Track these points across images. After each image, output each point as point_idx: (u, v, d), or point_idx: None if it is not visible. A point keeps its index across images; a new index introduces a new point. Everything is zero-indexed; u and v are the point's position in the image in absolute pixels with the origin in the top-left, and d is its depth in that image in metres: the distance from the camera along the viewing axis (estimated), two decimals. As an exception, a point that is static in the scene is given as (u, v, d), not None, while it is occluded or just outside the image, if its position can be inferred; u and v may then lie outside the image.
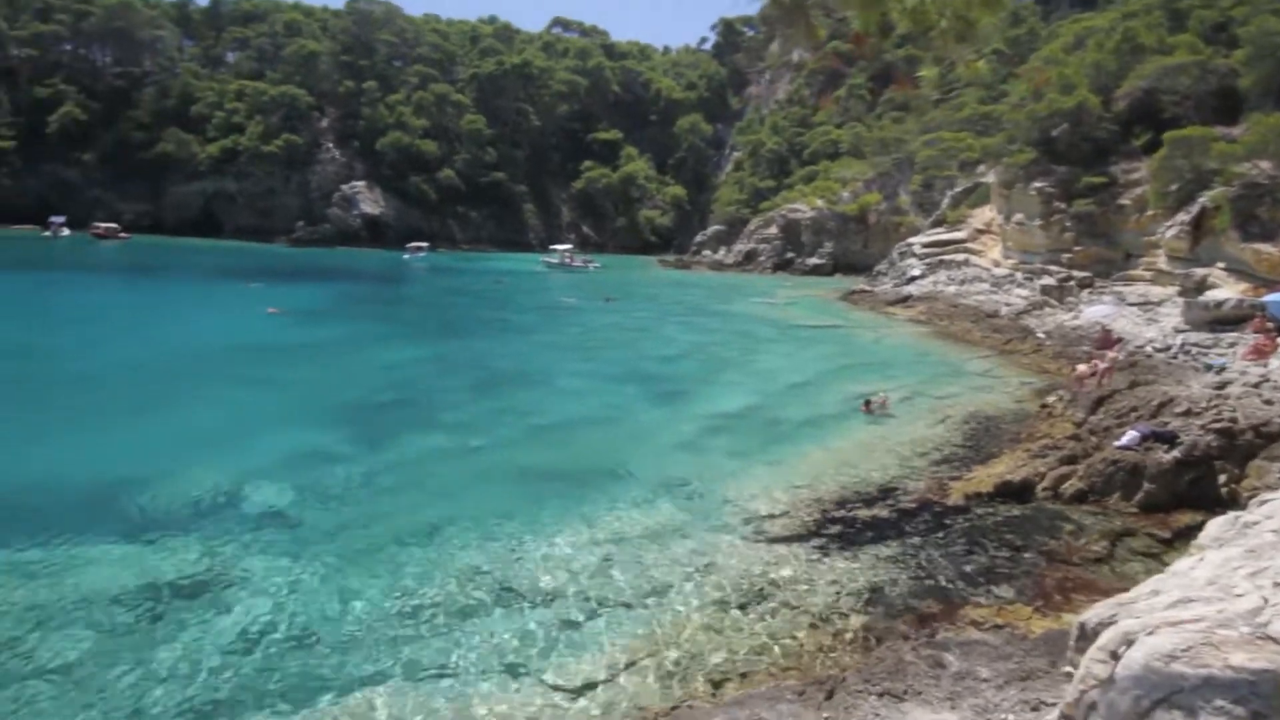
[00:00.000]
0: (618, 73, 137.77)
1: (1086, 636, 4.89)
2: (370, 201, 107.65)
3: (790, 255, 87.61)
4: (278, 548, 13.61)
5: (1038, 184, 44.06)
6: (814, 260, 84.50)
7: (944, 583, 12.92)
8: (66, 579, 12.32)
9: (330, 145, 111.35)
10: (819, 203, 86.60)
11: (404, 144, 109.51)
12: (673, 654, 10.66)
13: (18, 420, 21.19)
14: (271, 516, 15.05)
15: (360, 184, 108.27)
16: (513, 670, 10.27)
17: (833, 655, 10.71)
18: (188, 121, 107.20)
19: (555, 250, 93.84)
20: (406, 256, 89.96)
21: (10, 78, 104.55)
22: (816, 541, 14.49)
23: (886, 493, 17.16)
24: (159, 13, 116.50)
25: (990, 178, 54.85)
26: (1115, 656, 4.22)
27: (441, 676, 10.10)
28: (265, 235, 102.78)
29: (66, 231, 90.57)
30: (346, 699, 9.62)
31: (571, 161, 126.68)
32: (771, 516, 15.64)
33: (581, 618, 11.61)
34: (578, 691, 9.84)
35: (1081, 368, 25.07)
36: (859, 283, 62.85)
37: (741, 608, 11.98)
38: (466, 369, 30.74)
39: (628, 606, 11.97)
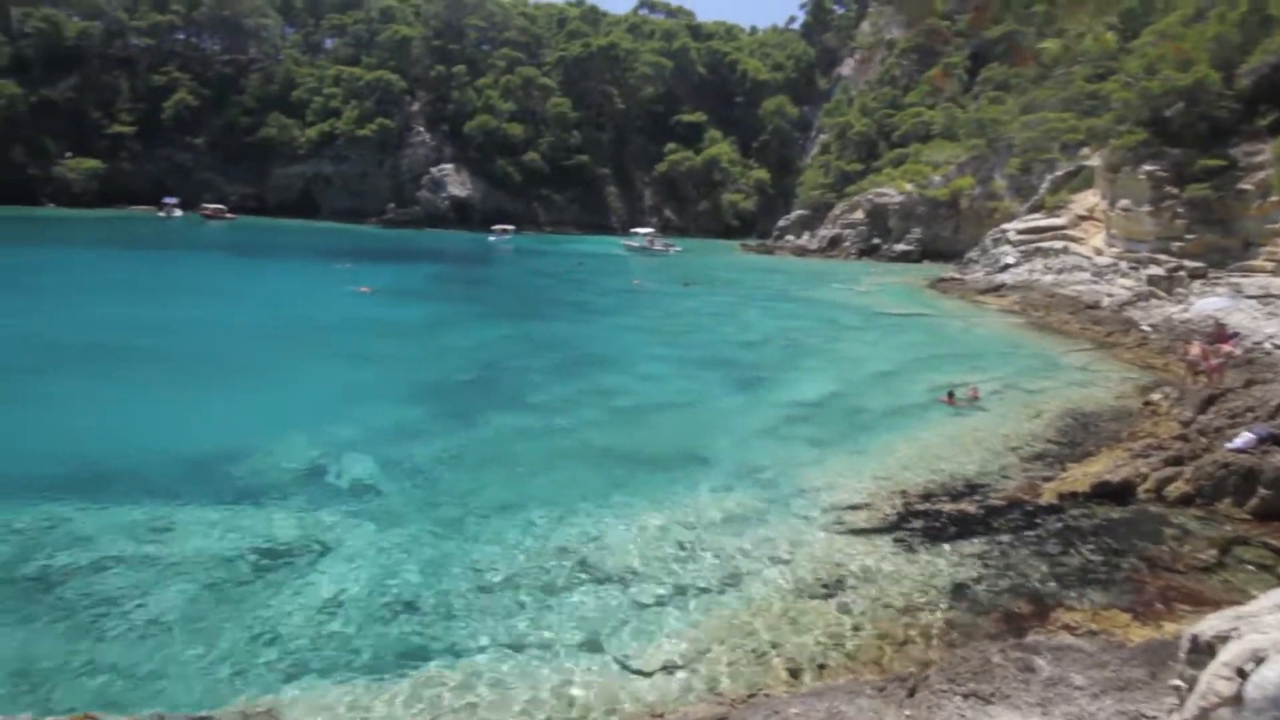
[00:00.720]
0: (703, 54, 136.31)
1: (1200, 650, 4.60)
2: (458, 184, 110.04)
3: (876, 241, 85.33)
4: (369, 518, 14.16)
5: (1148, 167, 41.45)
6: (901, 246, 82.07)
7: (1035, 584, 12.43)
8: (177, 537, 13.13)
9: (421, 129, 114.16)
10: (908, 187, 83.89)
11: (491, 127, 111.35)
12: (750, 641, 10.62)
13: (134, 390, 22.67)
14: (363, 487, 15.66)
15: (449, 167, 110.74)
16: (593, 648, 10.42)
17: (915, 651, 10.46)
18: (289, 106, 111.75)
19: (636, 234, 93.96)
20: (492, 239, 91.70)
21: (130, 66, 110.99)
22: (899, 534, 14.15)
23: (974, 488, 16.60)
24: (263, 1, 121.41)
25: (1094, 161, 51.92)
26: (1243, 674, 3.96)
27: (523, 650, 10.33)
28: (358, 217, 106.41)
29: (179, 212, 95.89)
30: (432, 667, 9.94)
31: (655, 144, 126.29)
32: (853, 507, 15.35)
33: (661, 600, 11.68)
34: (656, 673, 9.92)
35: (1193, 349, 23.46)
36: (948, 270, 60.72)
37: (820, 597, 11.83)
38: (548, 350, 31.21)
39: (706, 591, 11.97)
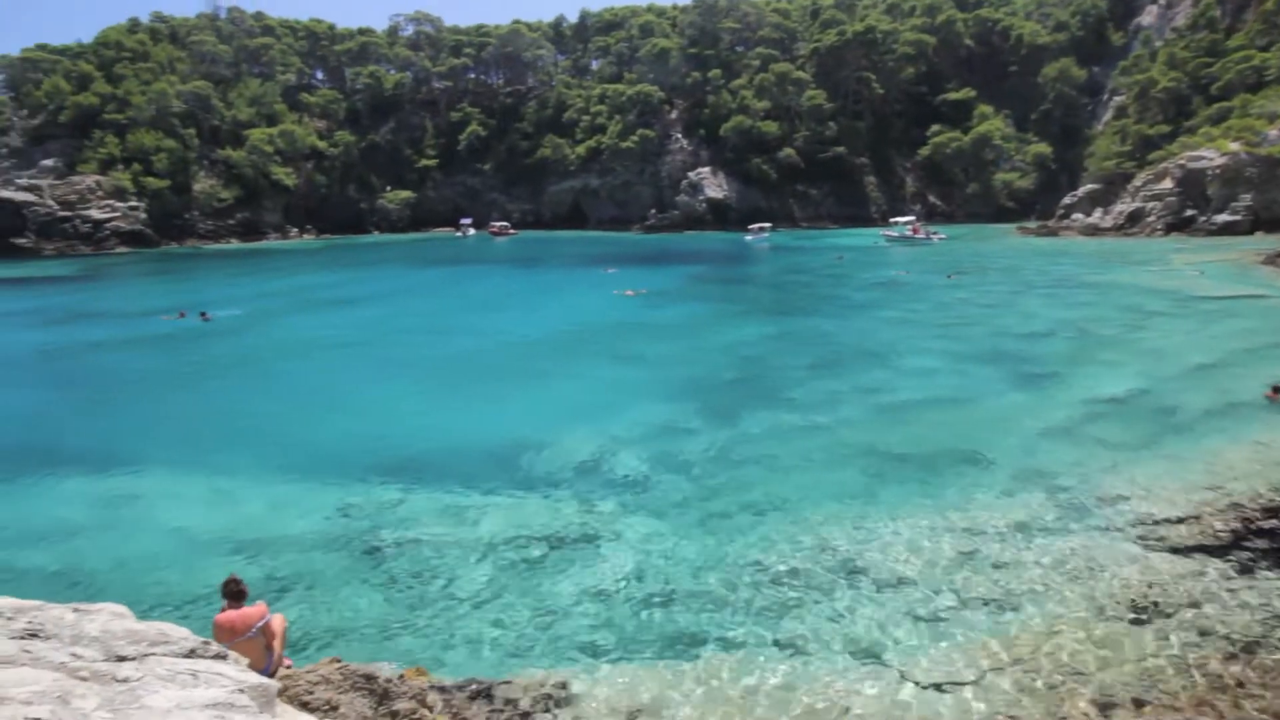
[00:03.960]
0: (970, 24, 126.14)
1: None
2: (714, 186, 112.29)
3: (1191, 213, 73.30)
4: (643, 510, 14.93)
5: None
6: (1224, 217, 69.74)
7: None
8: (478, 520, 14.79)
9: (679, 135, 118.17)
10: (1233, 146, 71.05)
11: (746, 127, 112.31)
12: (1048, 664, 9.63)
13: (438, 389, 25.98)
14: (636, 481, 16.55)
15: (705, 170, 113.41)
16: (869, 655, 10.09)
17: (1259, 696, 8.85)
18: (561, 127, 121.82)
19: (897, 223, 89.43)
20: (749, 238, 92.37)
21: (433, 107, 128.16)
22: (1236, 555, 12.06)
23: (1339, 504, 13.67)
24: (539, 34, 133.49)
25: None
26: None
27: (792, 648, 10.28)
28: (622, 224, 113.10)
29: (472, 231, 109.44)
30: (708, 658, 10.22)
31: (917, 127, 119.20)
32: (1170, 521, 13.35)
33: (936, 609, 11.01)
34: (940, 687, 9.35)
35: None
36: (1293, 242, 50.54)
37: (1133, 622, 10.42)
38: (808, 346, 30.76)
39: (989, 604, 11.08)
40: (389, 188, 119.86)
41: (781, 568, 12.39)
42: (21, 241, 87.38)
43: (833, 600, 11.41)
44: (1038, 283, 47.58)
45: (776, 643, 10.40)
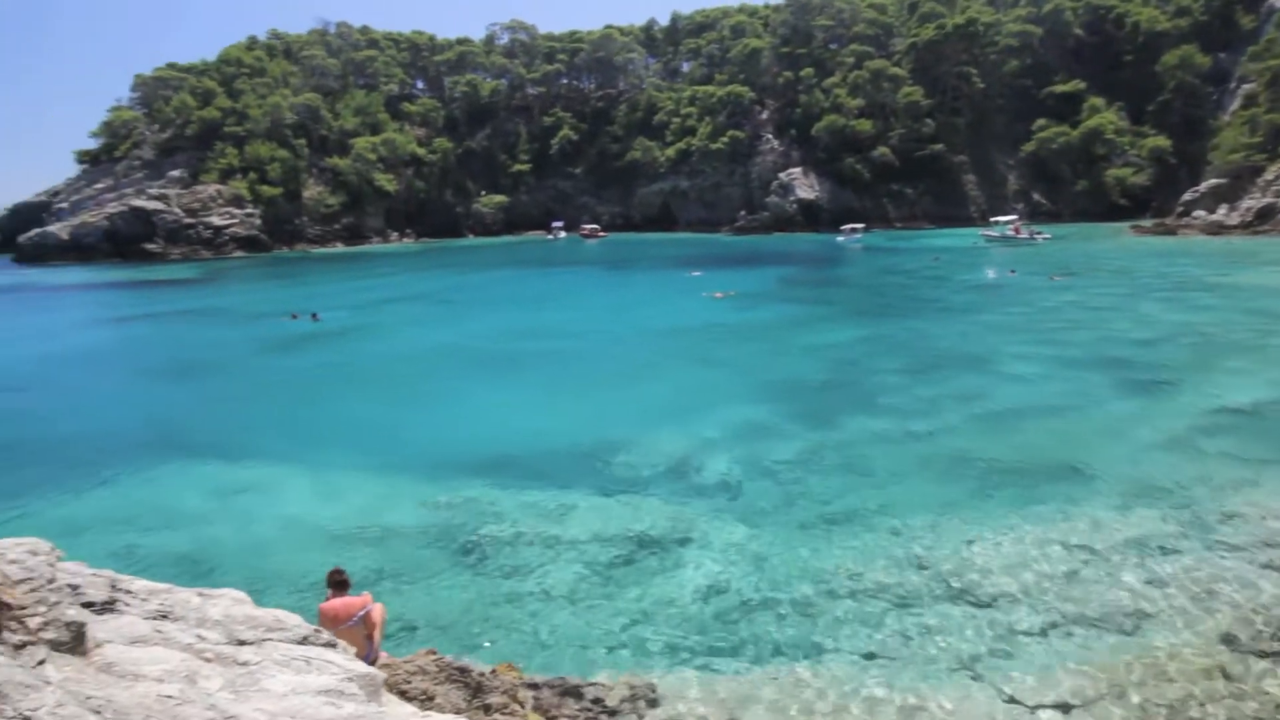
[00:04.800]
0: (1081, 13, 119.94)
1: None
2: (805, 186, 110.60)
3: (1331, 209, 67.57)
4: (731, 514, 14.84)
5: None
6: (1372, 213, 63.99)
7: None
8: (568, 519, 15.02)
9: (769, 136, 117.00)
10: (1382, 136, 65.11)
11: (839, 126, 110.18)
12: (1159, 693, 9.05)
13: (529, 389, 26.51)
14: (724, 485, 16.46)
15: (796, 170, 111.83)
16: (962, 671, 9.73)
17: None
18: (651, 130, 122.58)
19: (998, 222, 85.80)
20: (841, 239, 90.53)
21: (527, 113, 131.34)
22: (1383, 584, 11.04)
23: None
24: (630, 38, 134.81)
25: None
26: None
27: (886, 662, 10.01)
28: (711, 226, 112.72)
29: (563, 234, 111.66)
30: (797, 668, 10.07)
31: (1020, 122, 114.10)
32: (1305, 543, 12.34)
33: (1045, 629, 10.50)
34: (1045, 710, 8.91)
35: None
36: None
37: (1257, 654, 9.67)
38: (902, 350, 29.92)
39: (1099, 625, 10.49)
40: (484, 192, 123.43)
41: (875, 579, 12.09)
42: (151, 247, 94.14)
43: (929, 614, 11.05)
44: (1154, 285, 44.83)
45: (870, 655, 10.15)
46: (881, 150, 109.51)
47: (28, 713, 2.83)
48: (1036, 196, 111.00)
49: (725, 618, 11.28)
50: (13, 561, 3.54)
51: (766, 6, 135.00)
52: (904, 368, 26.89)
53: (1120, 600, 11.06)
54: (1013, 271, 53.22)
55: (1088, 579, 11.68)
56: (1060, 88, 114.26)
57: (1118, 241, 76.51)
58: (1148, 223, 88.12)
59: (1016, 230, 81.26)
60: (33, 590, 3.47)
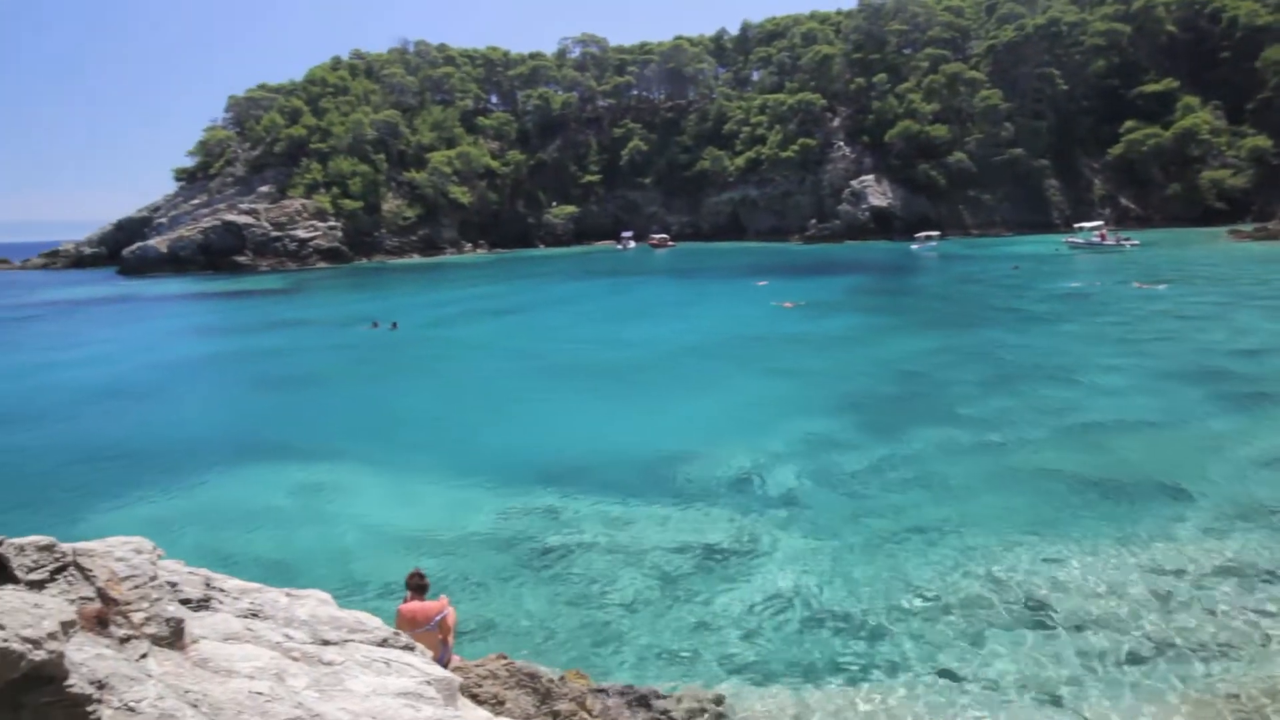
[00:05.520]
0: (1173, 9, 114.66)
1: None
2: (878, 194, 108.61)
3: None
4: (798, 526, 14.65)
5: None
6: None
7: None
8: (635, 529, 15.07)
9: (841, 143, 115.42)
10: None
11: (913, 132, 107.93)
12: (1263, 726, 8.53)
13: (597, 399, 26.71)
14: (792, 496, 16.25)
15: (869, 178, 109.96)
16: (1041, 696, 9.36)
17: None
18: (720, 139, 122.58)
19: (1083, 228, 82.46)
20: (914, 247, 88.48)
21: (597, 125, 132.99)
22: None
23: None
24: (700, 48, 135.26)
25: None
26: None
27: (961, 683, 9.71)
28: (781, 235, 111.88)
29: (633, 244, 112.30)
30: (864, 684, 9.86)
31: (1107, 124, 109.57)
32: None
33: (1137, 656, 10.00)
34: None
35: None
36: None
37: (1376, 688, 9.01)
38: (979, 361, 29.02)
39: (1199, 655, 9.93)
40: (554, 203, 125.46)
41: (950, 597, 11.74)
42: (241, 259, 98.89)
43: (1007, 636, 10.66)
44: (1256, 293, 42.34)
45: (944, 674, 9.85)
46: (958, 156, 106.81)
47: (132, 703, 3.01)
48: (1124, 201, 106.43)
49: (793, 632, 11.13)
50: (120, 559, 3.77)
51: (838, 13, 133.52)
52: (981, 379, 26.08)
53: (1214, 627, 10.46)
54: (1099, 281, 51.07)
55: (1181, 606, 11.09)
56: (1151, 87, 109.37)
57: (1214, 247, 72.56)
58: (1247, 227, 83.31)
59: (1103, 236, 78.04)
60: (137, 587, 3.69)
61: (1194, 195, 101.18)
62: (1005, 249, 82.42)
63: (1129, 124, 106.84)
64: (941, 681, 9.78)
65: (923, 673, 9.98)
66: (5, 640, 2.64)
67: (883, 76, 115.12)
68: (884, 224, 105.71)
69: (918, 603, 11.66)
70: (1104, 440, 18.82)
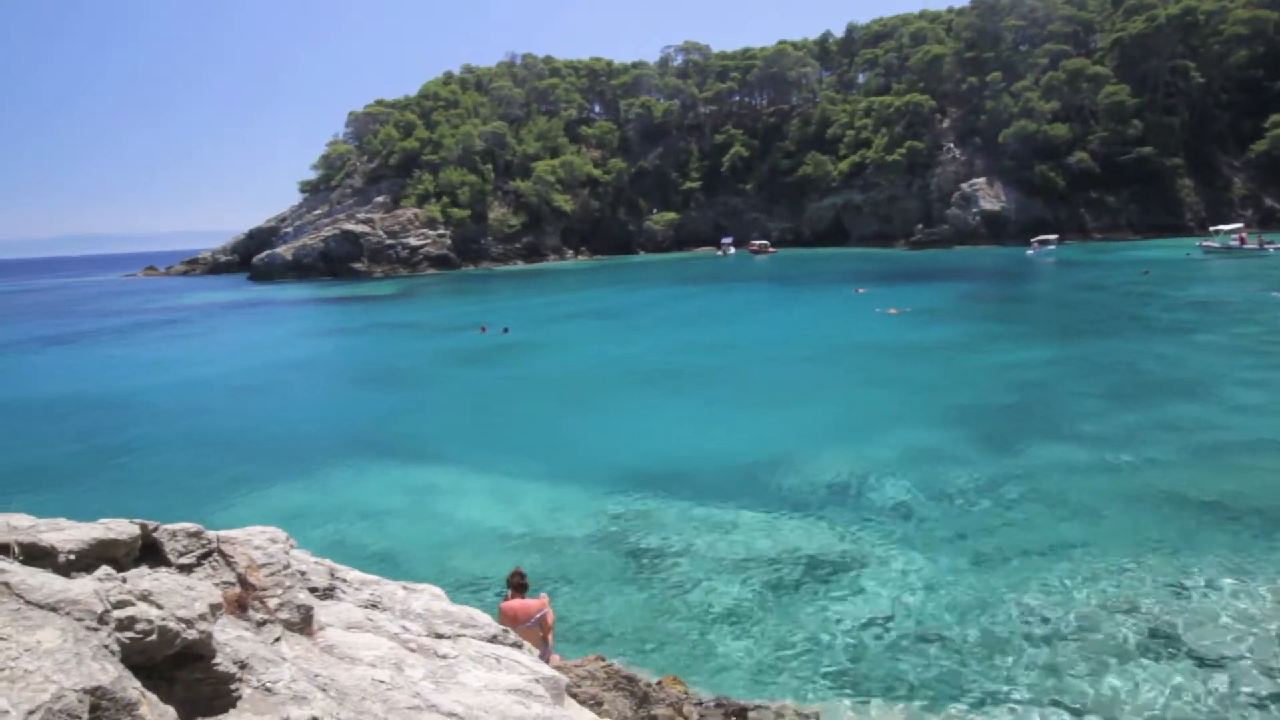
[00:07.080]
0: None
1: None
2: (990, 198, 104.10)
3: None
4: (901, 541, 14.22)
5: None
6: None
7: None
8: (734, 536, 15.00)
9: (950, 145, 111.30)
10: None
11: (1030, 132, 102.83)
12: None
13: (696, 404, 26.69)
14: (895, 510, 15.80)
15: (980, 181, 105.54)
16: (1170, 733, 8.77)
17: None
18: (824, 144, 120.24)
19: (1219, 231, 76.44)
20: (1030, 252, 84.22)
21: (698, 132, 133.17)
22: None
23: None
24: (804, 52, 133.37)
25: None
26: None
27: (1076, 714, 9.20)
28: (886, 240, 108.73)
29: (733, 250, 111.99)
30: (967, 709, 9.49)
31: (1249, 119, 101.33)
32: None
33: (1270, 693, 9.24)
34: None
35: None
36: None
37: None
38: (1102, 373, 27.39)
39: (1346, 698, 9.09)
40: (655, 210, 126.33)
41: (1065, 622, 11.14)
42: (358, 265, 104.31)
43: (1129, 666, 10.03)
44: None
45: (1056, 704, 9.37)
46: (1079, 156, 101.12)
47: (269, 684, 3.26)
48: (1269, 202, 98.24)
49: (894, 649, 10.82)
50: (257, 547, 4.08)
51: (949, 11, 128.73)
52: (1103, 392, 24.61)
53: (1376, 671, 9.52)
54: (1260, 286, 47.17)
55: (1332, 643, 10.15)
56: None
57: (1377, 252, 65.95)
58: None
59: (1242, 240, 72.24)
60: (272, 574, 3.98)
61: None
62: (1131, 254, 77.42)
63: (1275, 118, 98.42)
64: (1049, 711, 9.29)
65: (1035, 703, 9.51)
66: (164, 619, 2.91)
67: (997, 75, 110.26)
68: (996, 228, 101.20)
69: (1032, 627, 11.12)
70: (1242, 461, 17.43)
